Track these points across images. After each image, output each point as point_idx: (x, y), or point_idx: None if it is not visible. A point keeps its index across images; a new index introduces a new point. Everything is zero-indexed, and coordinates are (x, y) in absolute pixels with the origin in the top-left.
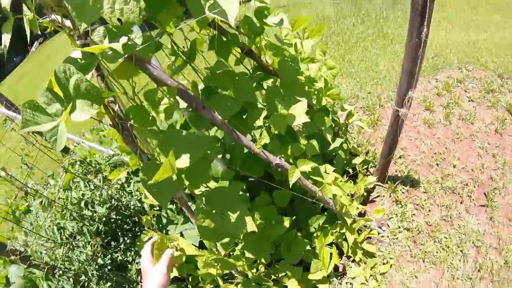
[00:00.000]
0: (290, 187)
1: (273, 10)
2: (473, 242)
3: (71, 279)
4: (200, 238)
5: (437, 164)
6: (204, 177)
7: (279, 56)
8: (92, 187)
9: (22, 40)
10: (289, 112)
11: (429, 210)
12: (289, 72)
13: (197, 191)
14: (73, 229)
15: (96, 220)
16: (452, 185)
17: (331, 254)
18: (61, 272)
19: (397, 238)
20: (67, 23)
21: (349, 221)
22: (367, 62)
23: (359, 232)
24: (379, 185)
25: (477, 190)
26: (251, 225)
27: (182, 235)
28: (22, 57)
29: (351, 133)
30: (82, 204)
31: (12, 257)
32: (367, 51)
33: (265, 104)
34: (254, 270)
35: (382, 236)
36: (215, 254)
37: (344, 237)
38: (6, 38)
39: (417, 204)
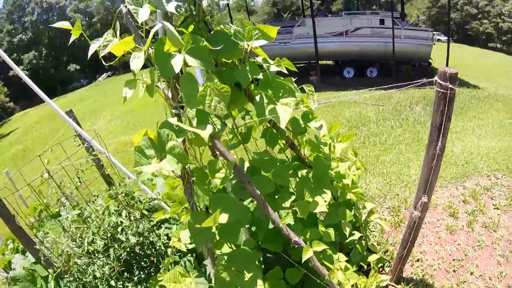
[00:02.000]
0: (302, 263)
1: (316, 115)
2: None
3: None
4: None
5: (454, 271)
6: (234, 237)
7: (315, 153)
8: (132, 218)
9: (93, 67)
10: (313, 200)
11: None
12: (321, 167)
13: (219, 251)
14: (100, 247)
15: (122, 247)
16: None
17: None
18: (71, 279)
19: None
20: (169, 93)
21: None
22: (400, 165)
23: None
24: (393, 286)
25: None
26: (260, 284)
27: None
28: (89, 82)
29: (373, 231)
30: (119, 229)
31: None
32: (401, 154)
33: (296, 189)
34: None
35: None
36: None
37: None
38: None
39: None
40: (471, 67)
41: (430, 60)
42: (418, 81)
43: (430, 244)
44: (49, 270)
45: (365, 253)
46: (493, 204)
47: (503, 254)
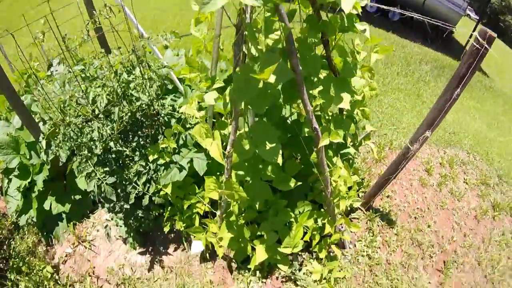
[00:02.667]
0: (316, 151)
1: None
2: None
3: (68, 151)
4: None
5: (415, 218)
6: (263, 106)
7: (343, 57)
8: (146, 76)
9: None
10: (339, 95)
11: (393, 251)
12: (348, 72)
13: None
14: (102, 105)
15: (130, 108)
16: (420, 240)
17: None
18: (66, 140)
19: (358, 260)
20: None
21: (336, 211)
22: (395, 110)
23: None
24: (361, 210)
25: (439, 255)
26: (279, 158)
27: (192, 160)
28: None
29: (356, 157)
30: (132, 85)
31: None
32: (399, 101)
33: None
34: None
35: (347, 252)
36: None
37: (318, 229)
38: None
39: (385, 240)
40: (489, 55)
41: (453, 29)
42: (453, 26)
43: (402, 188)
44: (38, 134)
45: (350, 174)
46: (464, 178)
47: (458, 222)
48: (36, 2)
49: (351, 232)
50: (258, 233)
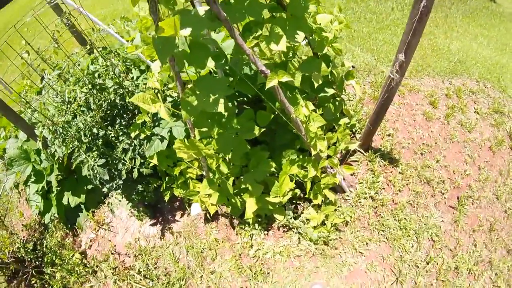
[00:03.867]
0: (265, 92)
1: None
2: (431, 235)
3: (63, 146)
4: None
5: (422, 154)
6: (200, 62)
7: None
8: (108, 63)
9: None
10: (279, 34)
11: (399, 190)
12: (297, 7)
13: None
14: (81, 100)
15: (103, 96)
16: (428, 177)
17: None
18: (58, 136)
19: (360, 202)
20: None
21: (313, 152)
22: (390, 46)
23: (323, 174)
24: (360, 152)
25: (452, 191)
26: (221, 107)
27: (171, 130)
28: None
29: (351, 100)
30: (96, 75)
31: None
32: (395, 36)
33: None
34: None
35: (348, 195)
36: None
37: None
38: None
39: (389, 180)
40: None
41: None
42: None
43: (404, 124)
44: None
45: (338, 115)
46: (474, 108)
47: (471, 155)
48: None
49: (351, 175)
50: (243, 186)
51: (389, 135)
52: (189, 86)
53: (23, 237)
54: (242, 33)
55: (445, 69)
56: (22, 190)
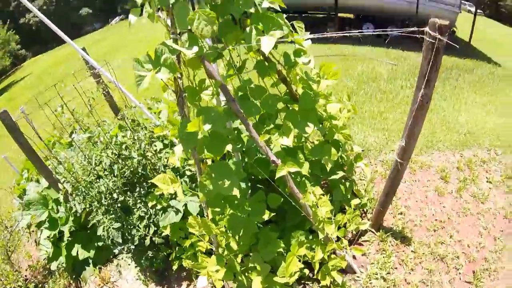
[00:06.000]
0: (275, 179)
1: (307, 52)
2: None
3: (83, 204)
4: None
5: (435, 230)
6: (218, 151)
7: (304, 88)
8: (135, 137)
9: (105, 11)
10: (293, 128)
11: (412, 269)
12: (308, 101)
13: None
14: (106, 165)
15: (126, 165)
16: (442, 254)
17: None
18: (79, 194)
19: (371, 283)
20: (168, 21)
21: (320, 235)
22: (402, 124)
23: (330, 257)
24: (372, 232)
25: (467, 266)
26: (236, 191)
27: (186, 205)
28: (102, 25)
29: (362, 179)
30: (124, 146)
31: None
32: (405, 114)
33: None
34: (232, 249)
35: (358, 277)
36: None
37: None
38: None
39: (402, 260)
40: (497, 44)
41: (454, 29)
42: (405, 29)
43: (416, 201)
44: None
45: (349, 196)
46: (486, 177)
47: (486, 227)
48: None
49: (362, 256)
50: (250, 264)
51: (400, 213)
52: (206, 170)
53: (25, 276)
54: (257, 124)
55: (455, 142)
56: (33, 231)
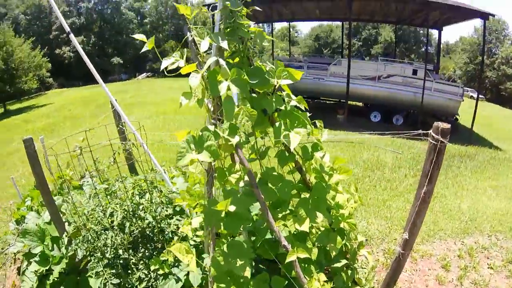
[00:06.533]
0: (285, 265)
1: (323, 147)
2: None
3: (85, 251)
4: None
5: None
6: (235, 229)
7: (317, 179)
8: (153, 200)
9: (135, 65)
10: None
11: None
12: (320, 192)
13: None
14: (117, 219)
15: (137, 224)
16: None
17: None
18: (83, 240)
19: None
20: (211, 108)
21: None
22: (405, 213)
23: None
24: None
25: None
26: (247, 271)
27: (188, 273)
28: (128, 77)
29: (364, 267)
30: (140, 207)
31: None
32: (408, 203)
33: (294, 207)
34: None
35: None
36: None
37: None
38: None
39: None
40: (498, 128)
41: (457, 116)
42: (412, 131)
43: None
44: (63, 232)
45: (349, 284)
46: (487, 263)
47: None
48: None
49: None
50: None
51: None
52: (220, 247)
53: None
54: (271, 208)
55: (456, 230)
56: (18, 259)
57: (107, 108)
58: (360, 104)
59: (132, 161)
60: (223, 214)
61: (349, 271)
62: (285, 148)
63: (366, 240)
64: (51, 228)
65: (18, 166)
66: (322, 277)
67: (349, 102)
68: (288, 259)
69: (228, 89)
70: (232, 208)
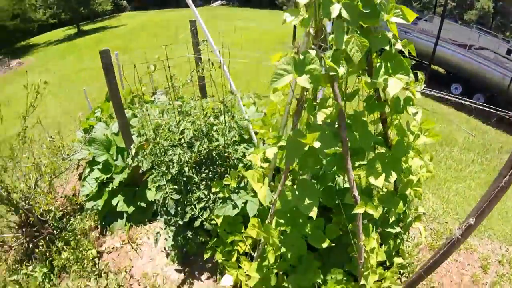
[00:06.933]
0: (349, 214)
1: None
2: None
3: (150, 164)
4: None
5: None
6: (311, 167)
7: (400, 137)
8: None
9: None
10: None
11: None
12: (400, 151)
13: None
14: (187, 137)
15: (208, 145)
16: None
17: None
18: (151, 153)
19: None
20: (312, 33)
21: (361, 282)
22: (461, 199)
23: None
24: None
25: None
26: (313, 212)
27: (246, 202)
28: (202, 4)
29: (409, 241)
30: (214, 128)
31: None
32: (469, 189)
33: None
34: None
35: None
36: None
37: None
38: None
39: None
40: None
41: None
42: (498, 110)
43: (450, 281)
44: (130, 143)
45: (393, 253)
46: None
47: None
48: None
49: None
50: (285, 284)
51: (432, 287)
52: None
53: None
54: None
55: (506, 235)
56: (81, 165)
57: (180, 33)
58: (442, 70)
59: (204, 82)
60: (306, 148)
61: (398, 240)
62: (377, 96)
63: (424, 213)
64: (118, 139)
65: (88, 82)
66: (374, 235)
67: (431, 66)
68: (355, 211)
69: (340, 13)
70: (317, 144)
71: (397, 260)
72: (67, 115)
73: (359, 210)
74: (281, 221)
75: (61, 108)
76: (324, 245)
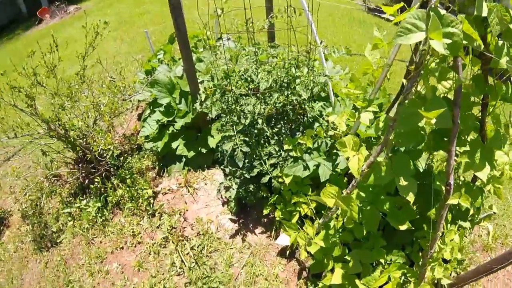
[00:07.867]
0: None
1: None
2: None
3: (220, 111)
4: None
5: None
6: (407, 144)
7: (496, 126)
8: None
9: None
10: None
11: None
12: (496, 143)
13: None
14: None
15: (285, 98)
16: None
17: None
18: (221, 100)
19: None
20: None
21: (428, 272)
22: None
23: None
24: None
25: None
26: (411, 196)
27: (318, 165)
28: None
29: (466, 236)
30: (297, 80)
31: None
32: None
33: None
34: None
35: None
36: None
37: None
38: None
39: None
40: None
41: None
42: None
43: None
44: (194, 88)
45: (452, 247)
46: None
47: None
48: None
49: None
50: (346, 257)
51: None
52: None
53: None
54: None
55: None
56: (141, 106)
57: None
58: None
59: (277, 29)
60: (422, 123)
61: (463, 235)
62: (484, 75)
63: (495, 213)
64: (182, 83)
65: (147, 25)
66: (454, 228)
67: None
68: (449, 201)
69: None
70: (434, 120)
71: (457, 255)
72: (127, 56)
73: (453, 201)
74: (362, 194)
75: (120, 50)
76: (403, 227)
